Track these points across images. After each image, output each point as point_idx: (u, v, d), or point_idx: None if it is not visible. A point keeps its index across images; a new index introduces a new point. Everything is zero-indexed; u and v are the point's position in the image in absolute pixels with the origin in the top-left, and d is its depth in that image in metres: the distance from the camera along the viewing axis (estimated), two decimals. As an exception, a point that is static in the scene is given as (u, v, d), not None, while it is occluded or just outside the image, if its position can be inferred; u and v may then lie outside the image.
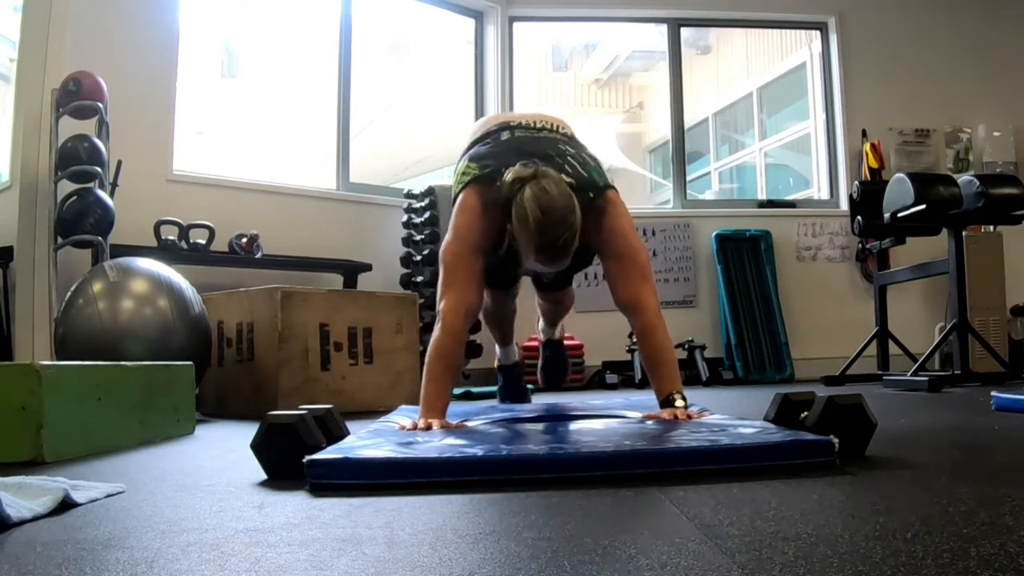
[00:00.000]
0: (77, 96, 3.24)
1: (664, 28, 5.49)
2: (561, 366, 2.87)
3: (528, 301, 2.76)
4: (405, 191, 4.61)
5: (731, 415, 1.76)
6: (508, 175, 1.81)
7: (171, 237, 3.61)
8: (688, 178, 5.57)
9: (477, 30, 5.31)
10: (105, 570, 0.73)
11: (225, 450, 1.77)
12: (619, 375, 4.64)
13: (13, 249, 3.36)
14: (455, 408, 2.25)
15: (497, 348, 2.82)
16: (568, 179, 1.86)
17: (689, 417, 1.70)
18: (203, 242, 3.69)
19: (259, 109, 5.63)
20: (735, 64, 7.81)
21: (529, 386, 3.35)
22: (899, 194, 3.69)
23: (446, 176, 5.85)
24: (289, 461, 1.23)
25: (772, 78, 7.19)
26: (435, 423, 1.68)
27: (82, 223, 3.12)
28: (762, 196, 6.76)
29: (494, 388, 2.97)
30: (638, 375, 4.50)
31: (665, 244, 5.16)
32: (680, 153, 5.44)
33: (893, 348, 4.29)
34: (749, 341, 4.98)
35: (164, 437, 1.98)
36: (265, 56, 5.79)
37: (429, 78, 6.63)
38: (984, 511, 0.88)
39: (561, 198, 1.75)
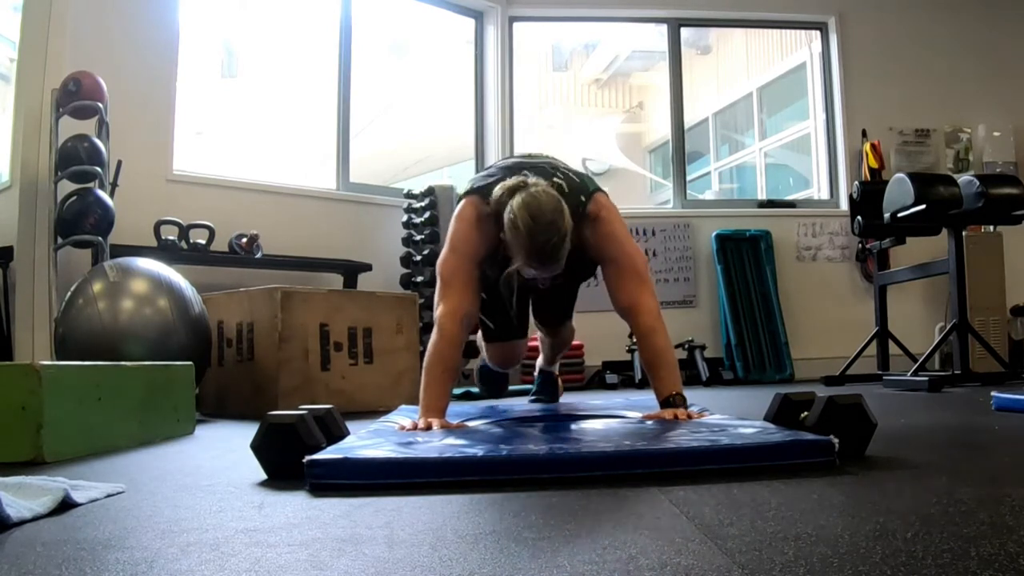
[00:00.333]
0: (77, 96, 3.24)
1: (664, 28, 5.49)
2: (551, 393, 2.91)
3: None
4: (405, 191, 4.61)
5: (731, 415, 1.76)
6: (497, 190, 1.87)
7: (171, 237, 3.61)
8: (688, 178, 5.57)
9: (477, 30, 5.31)
10: (105, 570, 0.73)
11: (225, 450, 1.78)
12: (619, 375, 4.64)
13: (13, 249, 3.36)
14: (455, 408, 2.25)
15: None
16: (558, 182, 1.92)
17: (689, 417, 1.71)
18: (203, 242, 3.69)
19: (259, 109, 5.63)
20: (735, 64, 7.81)
21: (529, 386, 3.35)
22: (899, 194, 3.69)
23: (446, 176, 5.87)
24: (289, 461, 1.23)
25: (772, 78, 7.19)
26: (435, 423, 1.68)
27: (82, 223, 3.12)
28: (762, 196, 6.76)
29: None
30: (638, 375, 4.50)
31: (665, 244, 5.16)
32: (680, 153, 5.44)
33: (893, 348, 4.29)
34: (749, 341, 4.97)
35: (164, 437, 1.98)
36: (265, 56, 5.79)
37: (429, 78, 6.63)
38: (984, 511, 0.88)
39: (550, 202, 1.79)
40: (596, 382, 4.72)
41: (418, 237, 4.42)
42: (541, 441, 1.46)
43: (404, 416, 1.85)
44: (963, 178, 3.64)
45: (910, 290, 4.97)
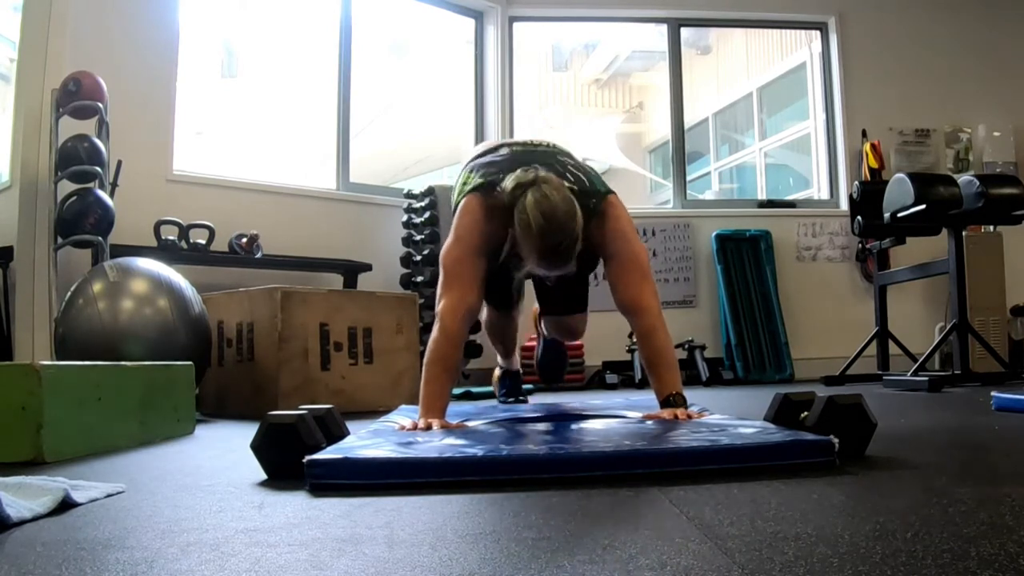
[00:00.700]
0: (77, 96, 3.24)
1: (664, 28, 5.49)
2: (559, 360, 2.88)
3: (527, 302, 2.75)
4: (405, 191, 4.61)
5: (731, 415, 1.76)
6: (509, 181, 1.82)
7: (171, 237, 3.61)
8: (688, 178, 5.57)
9: (477, 30, 5.31)
10: (105, 570, 0.73)
11: (225, 450, 1.77)
12: (619, 375, 4.64)
13: (13, 249, 3.36)
14: (455, 408, 2.25)
15: (499, 359, 2.84)
16: (570, 184, 1.88)
17: (689, 417, 1.71)
18: (203, 242, 3.69)
19: (259, 109, 5.64)
20: (735, 64, 7.81)
21: (528, 385, 3.35)
22: (899, 194, 3.69)
23: (446, 176, 5.86)
24: (289, 461, 1.23)
25: (772, 78, 7.19)
26: (435, 423, 1.68)
27: (82, 223, 3.12)
28: (762, 196, 6.76)
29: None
30: (638, 375, 4.50)
31: (665, 244, 5.16)
32: (680, 153, 5.44)
33: (893, 348, 4.29)
34: (749, 341, 4.97)
35: (164, 437, 1.98)
36: (265, 56, 5.79)
37: (429, 78, 6.63)
38: (984, 511, 0.88)
39: (563, 203, 1.76)
40: (596, 382, 4.72)
41: (418, 237, 4.42)
42: (541, 441, 1.46)
43: (404, 416, 1.85)
44: (963, 178, 3.64)
45: (910, 290, 4.97)
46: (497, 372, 2.91)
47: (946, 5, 5.46)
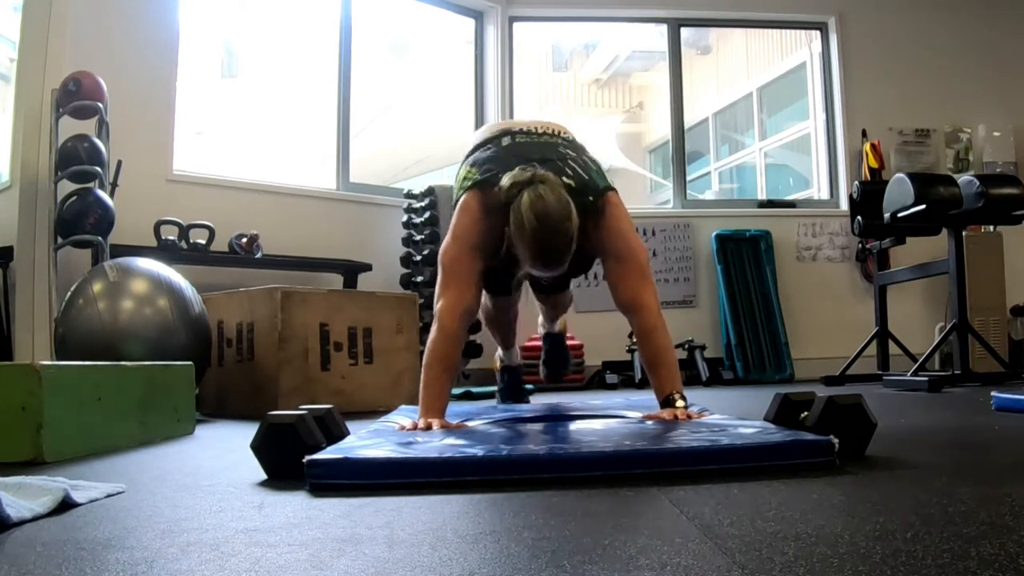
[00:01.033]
0: (77, 96, 3.24)
1: (664, 28, 5.49)
2: (562, 358, 2.88)
3: (529, 303, 2.75)
4: (405, 191, 4.61)
5: (731, 415, 1.76)
6: (506, 180, 1.80)
7: (171, 237, 3.61)
8: (688, 178, 5.57)
9: (477, 30, 5.31)
10: (105, 570, 0.73)
11: (225, 450, 1.77)
12: (619, 375, 4.64)
13: (13, 249, 3.36)
14: (455, 408, 2.25)
15: (500, 350, 2.83)
16: (568, 181, 1.86)
17: (689, 417, 1.70)
18: (203, 242, 3.69)
19: (259, 109, 5.63)
20: (735, 64, 7.81)
21: (529, 385, 3.35)
22: (899, 194, 3.69)
23: (446, 176, 5.85)
24: (289, 461, 1.23)
25: (772, 78, 7.19)
26: (435, 423, 1.68)
27: (82, 223, 3.12)
28: (762, 196, 6.76)
29: (494, 388, 2.98)
30: (638, 375, 4.50)
31: (665, 244, 5.16)
32: (680, 153, 5.44)
33: (893, 348, 4.29)
34: (749, 341, 4.98)
35: (164, 437, 1.98)
36: (265, 56, 5.78)
37: (429, 78, 6.63)
38: (984, 511, 0.88)
39: (558, 204, 1.74)
40: (596, 382, 4.72)
41: (418, 237, 4.42)
42: (541, 441, 1.46)
43: (404, 416, 1.85)
44: (963, 178, 3.64)
45: (910, 290, 4.97)
46: (497, 363, 2.90)
47: (946, 5, 5.46)
